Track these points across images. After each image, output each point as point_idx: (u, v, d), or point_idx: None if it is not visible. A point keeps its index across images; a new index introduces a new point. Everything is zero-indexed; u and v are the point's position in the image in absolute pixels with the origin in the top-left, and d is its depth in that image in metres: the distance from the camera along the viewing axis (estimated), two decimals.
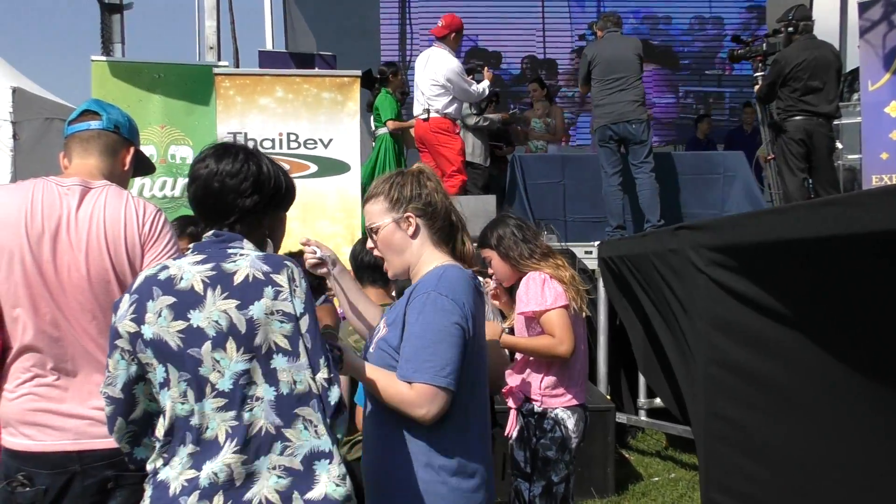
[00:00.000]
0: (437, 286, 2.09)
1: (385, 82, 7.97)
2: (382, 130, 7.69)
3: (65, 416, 2.25)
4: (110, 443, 2.18)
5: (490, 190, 7.89)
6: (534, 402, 3.30)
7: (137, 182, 6.17)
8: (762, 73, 7.19)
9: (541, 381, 3.31)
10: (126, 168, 2.52)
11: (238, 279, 1.83)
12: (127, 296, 1.89)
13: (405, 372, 2.03)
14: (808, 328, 2.31)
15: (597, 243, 6.26)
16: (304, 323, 1.84)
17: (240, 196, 1.95)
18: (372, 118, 8.09)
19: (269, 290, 1.82)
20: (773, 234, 2.41)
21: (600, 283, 6.06)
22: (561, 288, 3.28)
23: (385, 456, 2.12)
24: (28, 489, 2.21)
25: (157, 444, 1.87)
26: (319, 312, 2.08)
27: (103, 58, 6.68)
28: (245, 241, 1.93)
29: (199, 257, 1.89)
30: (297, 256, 2.78)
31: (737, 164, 8.23)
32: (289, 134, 6.14)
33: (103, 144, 2.45)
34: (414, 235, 2.21)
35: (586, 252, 6.39)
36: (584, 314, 3.41)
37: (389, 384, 2.04)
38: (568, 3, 12.29)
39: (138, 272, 2.19)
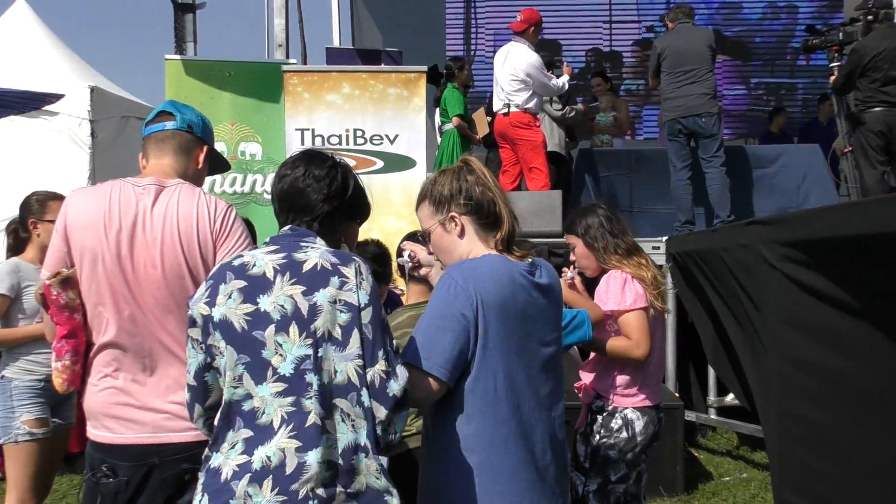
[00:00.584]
0: (456, 270, 2.09)
1: (451, 77, 7.96)
2: (449, 126, 7.70)
3: (143, 409, 2.31)
4: (187, 436, 2.27)
5: (555, 185, 7.83)
6: (605, 400, 3.25)
7: (208, 179, 6.30)
8: (838, 64, 6.97)
9: (614, 379, 3.25)
10: (200, 166, 2.57)
11: (307, 267, 1.90)
12: (204, 283, 1.98)
13: (403, 353, 2.04)
14: (885, 325, 2.23)
15: (665, 238, 6.16)
16: (367, 314, 1.89)
17: (322, 198, 2.05)
18: (438, 113, 8.10)
19: (335, 280, 1.88)
20: (850, 228, 2.34)
21: (668, 279, 5.97)
22: (642, 289, 3.22)
23: (421, 453, 2.18)
24: (111, 480, 2.28)
25: (214, 428, 1.92)
26: None
27: (177, 57, 6.86)
28: (318, 237, 2.01)
29: (273, 247, 1.98)
30: (360, 246, 2.87)
31: (811, 157, 8.00)
32: (355, 130, 6.20)
33: (177, 144, 2.52)
34: (461, 234, 2.22)
35: (654, 247, 6.29)
36: (664, 315, 3.36)
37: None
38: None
39: (210, 267, 2.26)
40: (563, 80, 7.36)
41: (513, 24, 7.40)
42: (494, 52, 7.73)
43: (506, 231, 2.21)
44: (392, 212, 6.05)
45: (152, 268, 2.32)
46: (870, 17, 6.58)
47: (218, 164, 2.77)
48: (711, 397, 6.11)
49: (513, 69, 7.05)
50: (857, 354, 2.40)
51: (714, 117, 6.91)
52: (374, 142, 6.21)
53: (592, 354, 3.38)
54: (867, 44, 6.45)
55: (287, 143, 6.13)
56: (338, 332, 1.86)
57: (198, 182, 2.57)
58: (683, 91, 6.97)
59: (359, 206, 2.17)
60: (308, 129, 6.17)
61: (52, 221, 3.66)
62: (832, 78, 7.03)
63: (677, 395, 5.97)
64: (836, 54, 7.04)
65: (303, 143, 6.07)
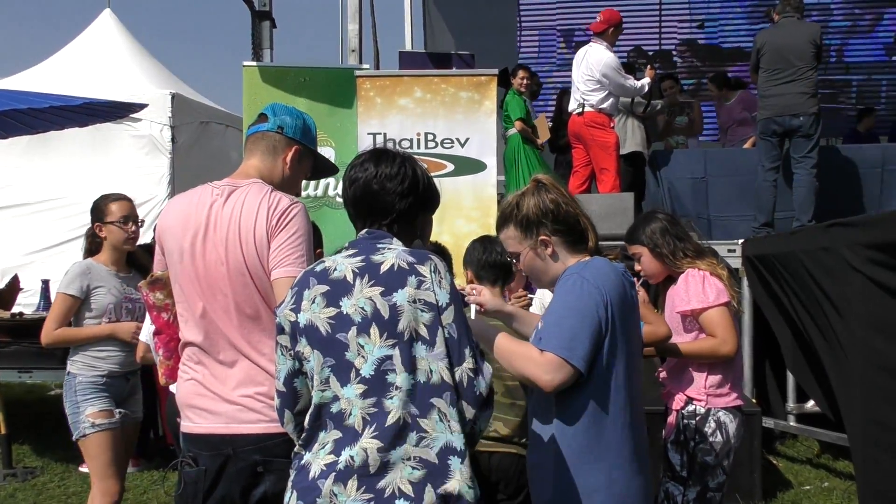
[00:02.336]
0: (582, 270, 2.17)
1: (507, 83, 8.00)
2: (512, 131, 7.72)
3: (219, 401, 2.38)
4: (258, 428, 2.32)
5: (630, 187, 7.74)
6: (697, 403, 3.17)
7: None
8: None
9: (705, 380, 3.18)
10: (289, 167, 2.56)
11: (384, 268, 1.92)
12: (290, 289, 2.02)
13: (538, 341, 2.13)
14: None
15: (740, 241, 6.02)
16: (449, 314, 1.90)
17: (397, 197, 2.06)
18: (502, 119, 8.12)
19: (412, 279, 1.90)
20: None
21: (744, 282, 5.84)
22: (721, 285, 3.17)
23: (531, 452, 2.26)
24: (192, 469, 2.36)
25: (305, 431, 1.96)
26: None
27: (253, 63, 7.01)
28: (394, 238, 2.02)
29: (352, 251, 2.01)
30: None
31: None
32: (426, 133, 6.24)
33: (265, 145, 2.55)
34: (553, 255, 2.30)
35: (729, 250, 6.15)
36: (739, 313, 3.30)
37: (520, 349, 2.15)
38: None
39: (266, 264, 2.32)
40: (644, 82, 7.28)
41: (592, 24, 7.36)
42: (567, 54, 7.71)
43: (594, 242, 2.31)
44: (462, 215, 6.07)
45: (221, 266, 2.37)
46: None
47: (322, 168, 2.80)
48: (791, 403, 5.94)
49: (589, 69, 7.01)
50: None
51: (812, 117, 6.63)
52: (444, 145, 6.24)
53: (669, 361, 3.31)
54: None
55: (359, 147, 6.19)
56: (424, 332, 1.88)
57: (293, 184, 2.60)
58: (781, 89, 6.70)
59: (431, 198, 2.18)
60: (380, 133, 6.23)
61: (114, 223, 3.84)
62: None
63: (755, 400, 5.83)
64: None
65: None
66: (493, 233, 5.78)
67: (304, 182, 6.50)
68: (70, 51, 9.19)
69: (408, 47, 11.34)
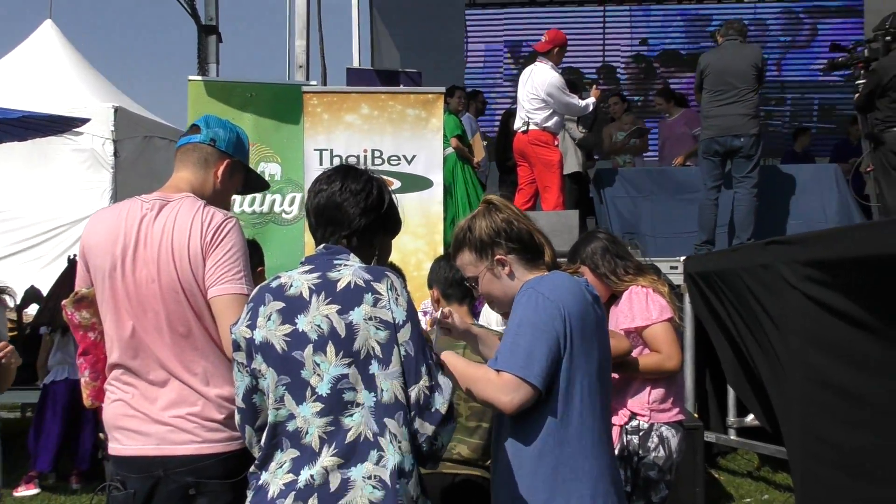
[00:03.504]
0: (537, 284, 2.15)
1: (446, 104, 8.09)
2: (449, 150, 7.79)
3: (148, 421, 2.31)
4: (190, 449, 2.27)
5: (576, 205, 7.84)
6: (640, 418, 3.21)
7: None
8: (863, 81, 6.91)
9: (648, 395, 3.23)
10: (220, 181, 2.51)
11: (341, 286, 1.91)
12: (245, 305, 2.01)
13: (495, 361, 2.09)
14: None
15: (682, 258, 6.13)
16: (405, 331, 1.89)
17: (358, 212, 2.05)
18: None
19: (368, 297, 1.89)
20: (870, 248, 2.33)
21: (686, 299, 5.94)
22: (664, 301, 3.23)
23: (494, 473, 2.23)
24: (121, 492, 2.29)
25: (260, 451, 1.94)
26: None
27: (199, 78, 6.93)
28: (351, 254, 2.02)
29: (308, 267, 1.99)
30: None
31: (831, 176, 7.96)
32: (373, 150, 6.24)
33: (197, 157, 2.50)
34: (511, 275, 2.27)
35: (671, 267, 6.26)
36: (680, 328, 3.35)
37: (477, 373, 2.11)
38: (630, 9, 12.16)
39: (202, 281, 2.28)
40: (589, 101, 7.39)
41: (537, 44, 7.45)
42: (513, 73, 7.80)
43: (551, 256, 2.29)
44: (409, 232, 6.06)
45: (152, 283, 2.31)
46: (888, 38, 6.54)
47: (253, 183, 2.75)
48: (731, 418, 6.05)
49: (534, 88, 7.10)
50: (879, 374, 2.38)
51: (753, 138, 6.81)
52: (391, 162, 6.24)
53: (615, 376, 3.35)
54: (886, 64, 6.41)
55: (306, 164, 6.17)
56: (379, 351, 1.87)
57: (223, 198, 2.55)
58: (723, 111, 6.87)
59: (393, 220, 2.18)
60: (327, 150, 6.20)
61: None
62: (856, 96, 6.98)
63: (696, 415, 5.92)
64: (861, 72, 6.98)
65: (321, 164, 6.11)
66: (440, 250, 5.80)
67: (250, 198, 6.53)
68: (8, 62, 8.97)
69: (355, 64, 11.34)
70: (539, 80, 7.09)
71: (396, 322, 1.88)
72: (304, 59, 8.11)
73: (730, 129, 6.82)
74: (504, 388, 2.04)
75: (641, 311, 3.21)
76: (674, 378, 3.24)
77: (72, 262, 4.16)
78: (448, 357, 2.16)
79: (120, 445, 2.35)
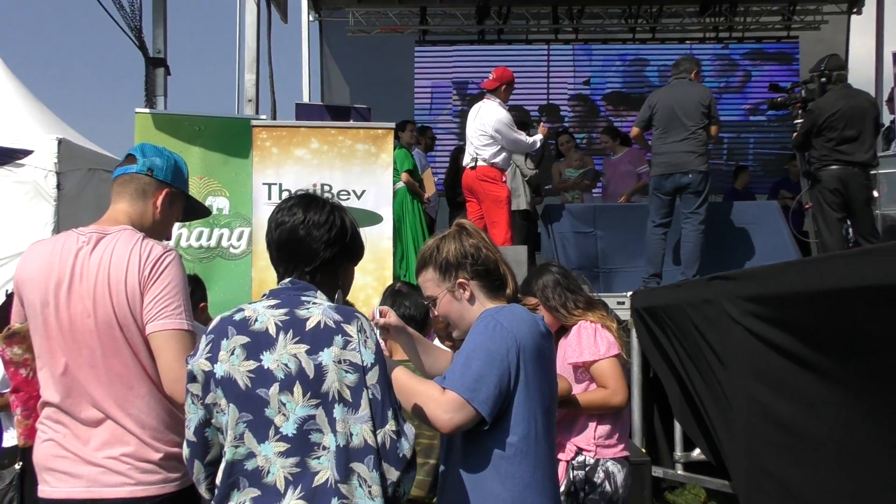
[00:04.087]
0: (497, 313, 2.16)
1: (396, 138, 8.16)
2: (399, 184, 7.83)
3: (79, 462, 2.25)
4: (123, 492, 2.21)
5: (525, 241, 7.91)
6: (586, 453, 3.23)
7: (174, 232, 6.27)
8: (801, 121, 7.13)
9: (594, 431, 3.25)
10: (160, 211, 2.46)
11: (310, 325, 1.88)
12: (204, 337, 1.94)
13: (443, 380, 2.09)
14: (839, 379, 2.27)
15: (629, 293, 6.21)
16: (373, 374, 1.87)
17: (323, 246, 2.02)
18: None
19: (338, 339, 1.86)
20: (808, 284, 2.38)
21: (633, 334, 6.01)
22: (612, 337, 3.26)
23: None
24: None
25: (217, 489, 1.89)
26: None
27: (146, 110, 6.86)
28: (318, 291, 1.99)
29: (274, 302, 1.95)
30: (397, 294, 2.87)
31: (772, 213, 8.17)
32: (323, 185, 6.22)
33: (134, 188, 2.44)
34: (471, 299, 2.28)
35: (618, 302, 6.34)
36: (628, 364, 3.39)
37: (420, 387, 2.10)
38: (573, 49, 12.44)
39: (139, 317, 2.22)
40: (536, 138, 7.49)
41: (485, 82, 7.54)
42: (461, 109, 7.88)
43: (512, 288, 2.31)
44: (358, 267, 6.00)
45: (88, 318, 2.25)
46: (823, 80, 6.78)
47: (194, 211, 2.70)
48: (678, 452, 6.10)
49: (482, 125, 7.17)
50: (818, 408, 2.43)
51: (701, 175, 6.93)
52: (341, 197, 6.22)
53: (559, 412, 3.35)
54: (822, 104, 6.64)
55: (254, 198, 6.13)
56: (348, 394, 1.84)
57: (163, 228, 2.51)
58: (672, 147, 7.01)
59: (356, 248, 2.16)
60: (275, 184, 6.17)
61: None
62: (794, 135, 7.20)
63: (644, 450, 5.96)
64: (799, 111, 7.21)
65: (269, 198, 6.08)
66: (387, 284, 5.78)
67: (196, 232, 6.44)
68: None
69: (305, 100, 11.35)
70: (487, 116, 7.18)
71: (365, 365, 1.86)
72: (253, 94, 8.10)
73: (678, 166, 6.96)
74: (446, 406, 2.04)
75: (590, 346, 3.24)
76: (620, 414, 3.27)
77: (9, 297, 4.05)
78: (392, 364, 2.15)
79: (49, 488, 2.27)
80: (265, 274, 5.86)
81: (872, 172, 7.01)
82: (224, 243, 6.44)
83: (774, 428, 2.75)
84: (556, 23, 12.29)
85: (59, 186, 7.14)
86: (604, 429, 3.23)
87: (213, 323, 1.97)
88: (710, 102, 7.04)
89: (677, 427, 6.01)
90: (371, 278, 6.01)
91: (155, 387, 2.27)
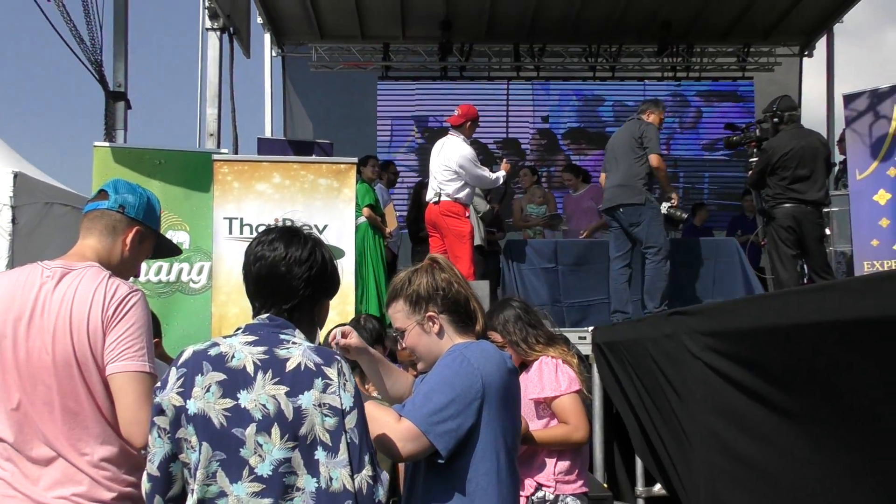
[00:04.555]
0: (465, 349, 2.16)
1: (358, 173, 8.20)
2: (361, 219, 7.84)
3: (28, 503, 2.18)
4: None
5: (483, 276, 7.94)
6: (546, 489, 3.22)
7: None
8: (755, 160, 7.29)
9: (554, 466, 3.25)
10: (129, 248, 2.43)
11: (290, 366, 1.85)
12: (174, 370, 1.89)
13: (402, 408, 2.08)
14: (802, 415, 2.30)
15: (591, 328, 6.25)
16: (352, 418, 1.85)
17: (303, 283, 2.00)
18: None
19: (318, 382, 1.84)
20: (765, 319, 2.43)
21: (594, 369, 6.04)
22: (573, 373, 3.27)
23: None
24: None
25: None
26: None
27: (106, 144, 6.79)
28: (296, 329, 1.96)
29: (252, 338, 1.91)
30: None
31: (730, 249, 8.31)
32: (285, 219, 6.19)
33: (104, 224, 2.41)
34: (440, 333, 2.28)
35: (580, 337, 6.38)
36: (588, 399, 3.40)
37: (377, 413, 2.08)
38: (532, 85, 12.63)
39: (100, 356, 2.18)
40: (499, 175, 7.57)
41: (450, 118, 7.62)
42: (420, 144, 7.93)
43: (481, 325, 2.31)
44: None
45: (46, 355, 2.20)
46: (775, 120, 6.96)
47: (164, 249, 2.67)
48: (640, 487, 6.11)
49: (446, 160, 7.23)
50: (776, 444, 2.46)
51: (632, 207, 7.02)
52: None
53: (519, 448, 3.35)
54: (775, 144, 6.80)
55: (215, 232, 6.08)
56: (327, 437, 1.82)
57: (131, 266, 2.48)
58: (608, 182, 7.25)
59: (334, 284, 2.13)
60: (237, 218, 6.13)
61: None
62: (749, 174, 7.36)
63: (605, 485, 5.96)
64: (753, 150, 7.37)
65: (230, 232, 6.04)
66: (349, 318, 5.74)
67: (156, 266, 6.36)
68: None
69: (267, 134, 11.34)
70: (451, 152, 7.24)
71: (344, 408, 1.84)
72: (215, 128, 8.07)
73: (611, 200, 7.15)
74: (402, 435, 2.03)
75: (551, 381, 3.25)
76: (579, 449, 3.27)
77: None
78: None
79: None
80: (225, 309, 5.80)
81: (825, 210, 7.18)
82: (184, 278, 6.37)
83: (732, 462, 2.77)
84: (517, 60, 12.48)
85: (14, 221, 7.01)
86: (563, 464, 3.24)
87: (185, 356, 1.92)
88: (642, 134, 7.11)
89: (638, 462, 6.03)
90: (333, 313, 5.88)
91: (110, 427, 2.22)
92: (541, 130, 12.73)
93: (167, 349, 4.31)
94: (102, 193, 2.48)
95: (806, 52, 12.61)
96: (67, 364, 2.20)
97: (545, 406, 3.28)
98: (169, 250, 2.75)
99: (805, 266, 7.00)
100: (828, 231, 7.86)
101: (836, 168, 9.33)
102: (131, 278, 2.45)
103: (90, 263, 2.33)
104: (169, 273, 6.33)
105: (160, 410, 1.87)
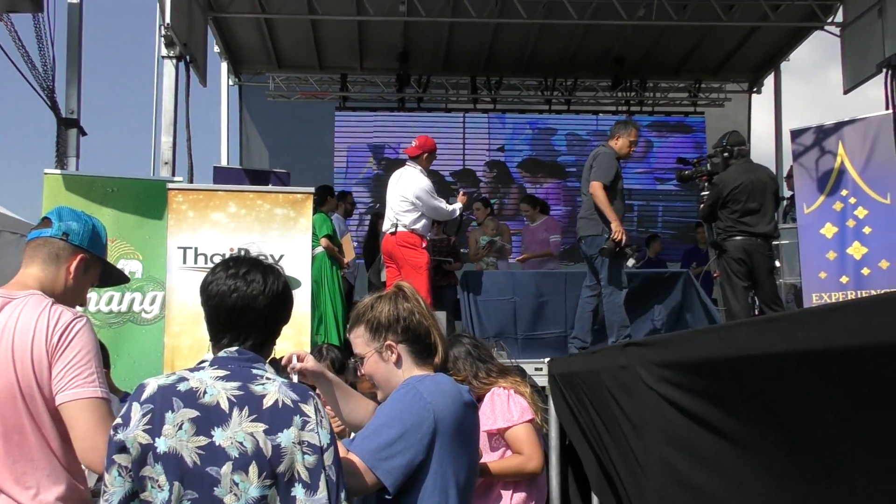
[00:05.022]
0: (419, 382, 2.14)
1: (321, 203, 8.20)
2: (318, 249, 7.82)
3: None
4: None
5: (439, 306, 7.94)
6: None
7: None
8: (707, 193, 7.40)
9: (511, 498, 3.23)
10: (73, 276, 2.38)
11: (267, 403, 1.82)
12: (136, 405, 1.82)
13: (351, 442, 2.07)
14: (753, 446, 2.32)
15: (547, 360, 6.27)
16: (329, 455, 1.83)
17: (275, 317, 2.00)
18: None
19: (297, 420, 1.82)
20: (718, 350, 2.45)
21: (550, 400, 6.04)
22: (525, 402, 3.27)
23: None
24: None
25: None
26: None
27: (57, 171, 6.68)
28: (266, 363, 1.94)
29: (223, 373, 1.87)
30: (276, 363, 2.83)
31: (686, 281, 8.43)
32: (240, 249, 6.12)
33: (47, 252, 2.36)
34: (398, 362, 2.25)
35: (536, 369, 6.37)
36: (543, 429, 3.40)
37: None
38: (488, 117, 12.78)
39: (46, 387, 2.12)
40: (456, 207, 7.62)
41: (408, 149, 7.65)
42: (379, 174, 7.94)
43: (441, 357, 2.29)
44: None
45: None
46: (725, 154, 7.12)
47: (111, 277, 2.62)
48: None
49: (403, 191, 7.25)
50: (725, 473, 2.48)
51: (591, 238, 6.95)
52: None
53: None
54: (725, 178, 6.94)
55: (168, 262, 6.00)
56: (306, 475, 1.79)
57: (76, 295, 2.42)
58: (579, 215, 7.21)
59: (291, 310, 2.11)
60: (191, 248, 6.06)
61: None
62: (701, 207, 7.47)
63: None
64: (705, 184, 7.50)
65: (185, 262, 5.96)
66: (305, 349, 5.68)
67: (107, 296, 6.23)
68: None
69: (223, 163, 11.26)
70: (409, 183, 7.27)
71: (323, 446, 1.82)
72: (170, 156, 8.00)
73: (577, 233, 7.16)
74: (348, 470, 1.99)
75: (503, 412, 3.25)
76: (535, 481, 3.27)
77: None
78: None
79: None
80: (178, 340, 5.70)
81: (774, 243, 7.32)
82: (136, 308, 6.26)
83: (686, 493, 2.78)
84: (474, 92, 12.61)
85: None
86: (520, 496, 3.23)
87: (148, 390, 1.85)
88: (592, 161, 6.96)
89: (594, 497, 6.03)
90: (289, 344, 5.87)
91: (56, 460, 2.16)
92: (496, 161, 12.85)
93: (117, 380, 4.22)
94: (46, 221, 2.43)
95: (755, 89, 12.97)
96: (11, 396, 2.13)
97: (498, 437, 3.27)
98: (116, 279, 2.70)
99: (756, 298, 7.12)
100: (777, 264, 8.02)
101: (785, 202, 9.56)
102: (79, 307, 2.40)
103: (32, 292, 2.28)
104: (120, 303, 6.22)
105: (122, 448, 1.80)
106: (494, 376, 3.37)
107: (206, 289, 2.02)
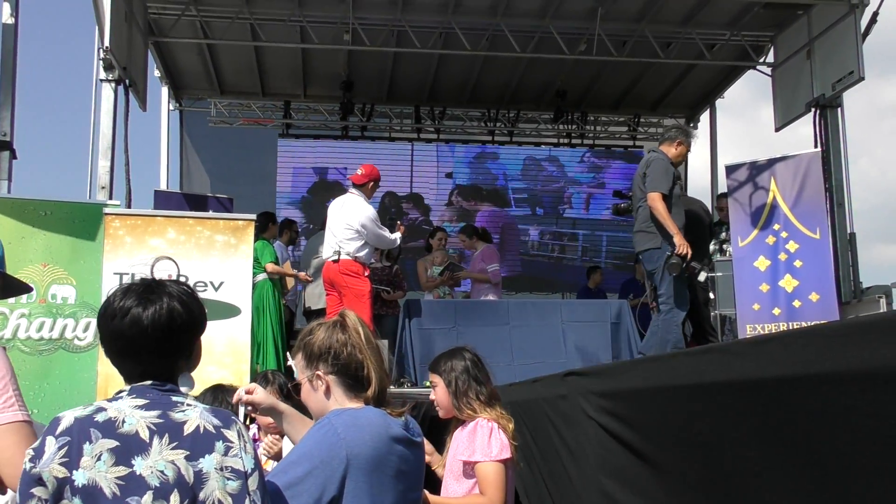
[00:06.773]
0: (336, 417, 2.08)
1: (263, 230, 8.15)
2: (261, 277, 7.75)
3: None
4: None
5: (379, 335, 7.92)
6: None
7: (12, 322, 5.88)
8: None
9: None
10: None
11: (188, 429, 1.78)
12: (51, 438, 1.76)
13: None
14: (685, 477, 2.36)
15: None
16: (254, 480, 1.80)
17: (191, 338, 1.96)
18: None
19: (219, 445, 1.78)
20: (653, 380, 2.50)
21: None
22: (507, 440, 3.21)
23: None
24: None
25: None
26: None
27: None
28: (186, 392, 1.90)
29: (141, 402, 1.82)
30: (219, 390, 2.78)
31: (623, 312, 8.55)
32: (180, 275, 6.04)
33: None
34: (326, 393, 2.20)
35: None
36: (518, 466, 3.36)
37: None
38: (437, 147, 12.90)
39: None
40: (396, 236, 7.64)
41: (353, 176, 7.66)
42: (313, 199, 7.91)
43: (374, 391, 2.20)
44: (214, 361, 5.84)
45: None
46: None
47: (12, 288, 2.53)
48: None
49: (348, 218, 7.23)
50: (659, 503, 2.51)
51: (649, 252, 6.43)
52: (198, 287, 6.06)
53: None
54: None
55: (103, 287, 5.87)
56: (229, 501, 1.75)
57: None
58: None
59: (205, 323, 2.05)
60: (127, 273, 5.95)
61: None
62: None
63: None
64: None
65: None
66: (246, 380, 5.59)
67: (38, 322, 6.03)
68: None
69: (163, 187, 11.09)
70: (353, 210, 7.25)
71: (247, 471, 1.79)
72: (107, 180, 7.84)
73: (635, 246, 6.95)
74: None
75: (483, 445, 3.17)
76: None
77: None
78: None
79: None
80: (112, 368, 5.50)
81: (710, 275, 7.48)
82: (68, 334, 6.08)
83: None
84: (418, 122, 12.68)
85: None
86: None
87: (64, 423, 1.79)
88: (645, 169, 6.48)
89: None
90: (228, 372, 5.82)
91: None
92: (444, 186, 12.90)
93: (46, 409, 4.10)
94: None
95: (691, 124, 13.31)
96: None
97: (471, 467, 3.22)
98: (18, 289, 2.61)
99: (689, 329, 7.26)
100: (711, 295, 8.20)
101: (723, 234, 9.78)
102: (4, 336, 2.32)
103: None
104: (52, 329, 6.04)
105: (38, 481, 1.73)
106: (482, 401, 3.29)
107: (101, 322, 1.95)
